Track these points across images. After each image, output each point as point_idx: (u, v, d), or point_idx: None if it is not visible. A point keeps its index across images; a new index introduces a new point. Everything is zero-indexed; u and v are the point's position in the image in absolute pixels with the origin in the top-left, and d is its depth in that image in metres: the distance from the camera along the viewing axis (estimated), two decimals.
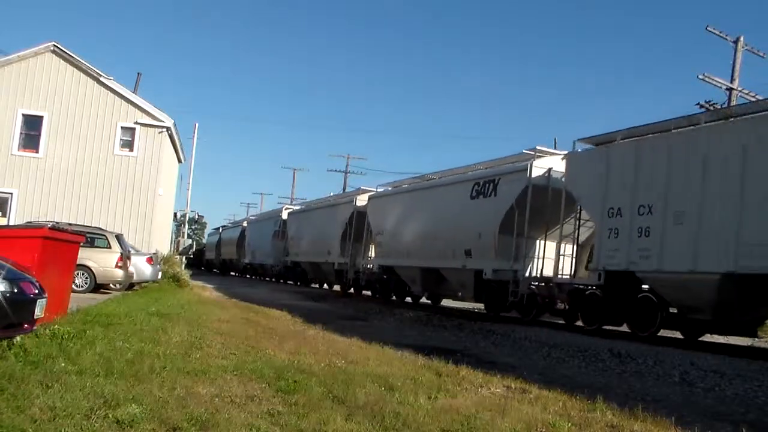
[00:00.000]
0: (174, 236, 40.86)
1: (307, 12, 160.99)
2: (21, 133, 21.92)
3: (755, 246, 10.11)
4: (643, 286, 12.64)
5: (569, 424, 5.27)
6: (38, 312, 6.33)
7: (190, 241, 63.23)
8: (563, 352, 10.87)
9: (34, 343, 6.19)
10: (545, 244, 15.49)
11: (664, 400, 7.08)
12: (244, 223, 46.51)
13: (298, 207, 37.39)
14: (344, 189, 49.27)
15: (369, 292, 24.85)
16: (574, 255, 14.85)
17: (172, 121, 23.48)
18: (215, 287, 25.00)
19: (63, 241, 8.96)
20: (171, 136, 24.47)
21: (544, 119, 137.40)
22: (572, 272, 14.76)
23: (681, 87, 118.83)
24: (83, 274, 14.36)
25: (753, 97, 22.21)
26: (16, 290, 5.96)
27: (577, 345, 11.38)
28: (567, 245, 15.23)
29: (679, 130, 12.35)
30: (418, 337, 12.37)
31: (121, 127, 22.56)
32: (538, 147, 16.50)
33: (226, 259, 49.50)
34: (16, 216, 20.91)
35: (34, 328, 6.46)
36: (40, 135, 21.89)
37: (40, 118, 21.93)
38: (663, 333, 12.72)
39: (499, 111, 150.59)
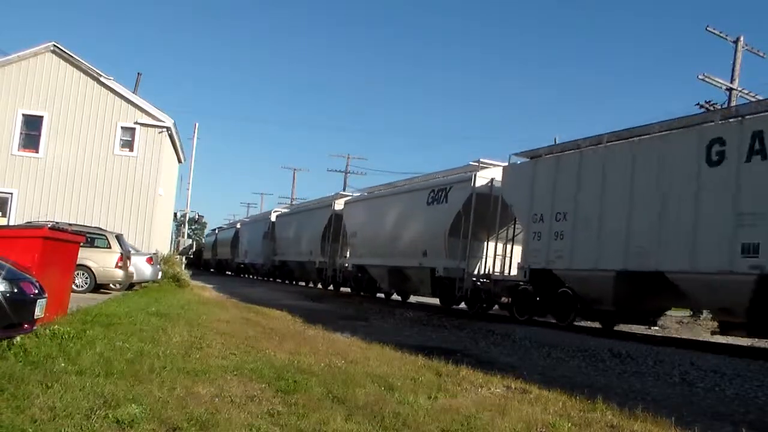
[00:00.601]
0: (174, 236, 40.92)
1: (307, 12, 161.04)
2: (21, 133, 21.91)
3: (639, 248, 12.29)
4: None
5: (569, 424, 5.27)
6: (38, 312, 6.33)
7: (190, 241, 63.56)
8: (563, 352, 10.87)
9: (34, 343, 6.19)
10: (488, 245, 17.55)
11: (664, 400, 7.08)
12: (238, 225, 48.50)
13: (286, 210, 39.53)
14: (344, 189, 49.25)
15: (348, 289, 26.45)
16: (511, 255, 16.76)
17: (172, 121, 23.48)
18: (215, 287, 25.00)
19: (63, 241, 8.96)
20: (171, 136, 24.46)
21: (544, 119, 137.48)
22: (508, 270, 16.63)
23: (681, 87, 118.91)
24: (83, 274, 14.36)
25: (753, 97, 22.21)
26: (16, 290, 5.96)
27: (577, 345, 11.37)
28: (506, 246, 17.19)
29: (587, 147, 14.20)
30: (418, 337, 12.37)
31: (121, 127, 22.55)
32: (482, 159, 18.35)
33: (222, 259, 51.30)
34: (16, 216, 20.91)
35: (34, 328, 6.46)
36: (40, 135, 21.88)
37: (40, 118, 21.93)
38: (662, 331, 12.69)
39: (499, 111, 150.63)
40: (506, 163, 16.91)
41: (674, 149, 12.11)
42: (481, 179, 17.65)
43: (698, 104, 23.97)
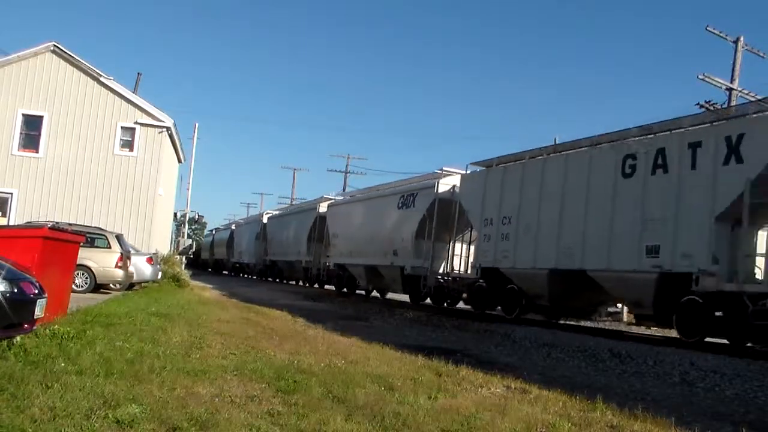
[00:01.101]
0: (174, 236, 40.97)
1: (307, 12, 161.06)
2: (21, 133, 21.91)
3: (567, 249, 13.94)
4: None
5: (569, 424, 5.27)
6: (38, 312, 6.33)
7: (190, 241, 63.91)
8: (563, 352, 10.87)
9: (34, 343, 6.20)
10: (451, 246, 19.37)
11: (664, 400, 7.08)
12: (233, 226, 50.81)
13: (277, 212, 41.19)
14: (344, 189, 49.33)
15: (332, 287, 28.20)
16: (468, 255, 18.64)
17: (172, 121, 23.48)
18: (215, 287, 25.01)
19: (63, 241, 8.96)
20: (171, 136, 24.46)
21: (544, 119, 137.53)
22: (465, 268, 18.64)
23: (681, 87, 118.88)
24: (83, 274, 14.36)
25: (753, 97, 22.20)
26: (16, 290, 5.96)
27: (577, 345, 11.37)
28: (465, 247, 19.08)
29: (529, 159, 15.88)
30: (418, 337, 12.37)
31: (121, 127, 22.55)
32: (444, 168, 20.15)
33: (218, 259, 53.18)
34: (16, 216, 20.91)
35: (34, 328, 6.46)
36: (40, 135, 21.88)
37: (40, 118, 21.92)
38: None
39: (499, 111, 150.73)
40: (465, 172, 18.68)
41: (597, 162, 13.70)
42: (444, 186, 19.41)
43: (698, 104, 23.86)
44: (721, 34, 23.11)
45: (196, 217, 63.42)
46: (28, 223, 16.58)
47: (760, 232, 11.61)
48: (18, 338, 6.11)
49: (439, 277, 19.34)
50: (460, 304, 19.68)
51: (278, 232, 35.97)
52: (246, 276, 43.41)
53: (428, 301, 20.55)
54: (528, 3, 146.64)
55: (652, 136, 12.87)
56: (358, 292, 26.30)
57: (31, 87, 21.97)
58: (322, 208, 29.36)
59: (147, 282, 18.13)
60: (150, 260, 17.61)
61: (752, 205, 10.54)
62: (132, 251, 16.60)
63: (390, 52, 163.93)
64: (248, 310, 15.06)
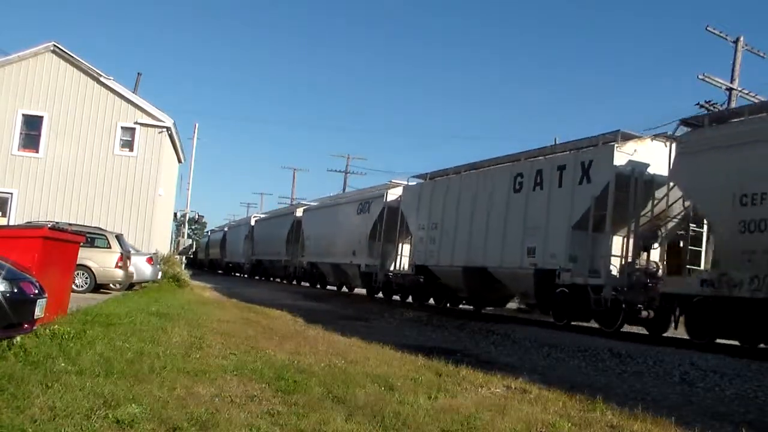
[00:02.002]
0: (174, 236, 41.03)
1: (307, 12, 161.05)
2: (21, 133, 21.89)
3: (475, 250, 16.97)
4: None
5: (569, 424, 5.27)
6: (38, 312, 6.33)
7: (190, 241, 64.63)
8: (563, 352, 10.87)
9: (34, 343, 6.19)
10: (399, 247, 22.45)
11: (665, 400, 7.08)
12: (226, 228, 53.98)
13: (263, 215, 45.32)
14: (344, 189, 49.42)
15: (308, 283, 32.11)
16: (412, 254, 21.15)
17: (172, 121, 23.47)
18: (215, 287, 25.00)
19: (63, 241, 8.96)
20: (171, 136, 24.45)
21: (544, 119, 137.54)
22: (407, 266, 21.36)
23: (681, 87, 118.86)
24: (83, 274, 14.35)
25: (753, 97, 22.22)
26: (16, 290, 5.96)
27: (577, 345, 11.37)
28: (409, 247, 21.85)
29: (453, 174, 18.86)
30: (418, 337, 12.37)
31: (121, 127, 22.54)
32: (393, 180, 24.43)
33: (213, 259, 56.08)
34: (16, 216, 20.90)
35: (34, 328, 6.46)
36: (40, 135, 21.87)
37: (40, 118, 21.91)
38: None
39: (499, 111, 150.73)
40: (411, 184, 21.92)
41: (497, 179, 16.75)
42: (392, 195, 22.85)
43: (698, 104, 23.96)
44: (721, 34, 23.12)
45: (196, 217, 64.11)
46: (28, 223, 16.59)
47: (615, 237, 13.71)
48: (18, 338, 6.10)
49: (390, 273, 22.38)
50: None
51: (263, 233, 39.34)
52: (238, 275, 45.84)
53: (380, 294, 23.88)
54: (528, 3, 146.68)
55: (534, 159, 15.92)
56: (329, 288, 29.70)
57: (31, 87, 21.97)
58: (299, 212, 33.05)
59: (147, 282, 18.12)
60: (150, 260, 17.60)
61: (596, 216, 13.55)
62: (132, 251, 16.60)
63: (390, 52, 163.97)
64: (248, 310, 15.05)
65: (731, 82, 22.84)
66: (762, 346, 11.01)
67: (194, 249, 66.01)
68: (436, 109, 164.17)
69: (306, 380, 6.13)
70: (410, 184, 21.74)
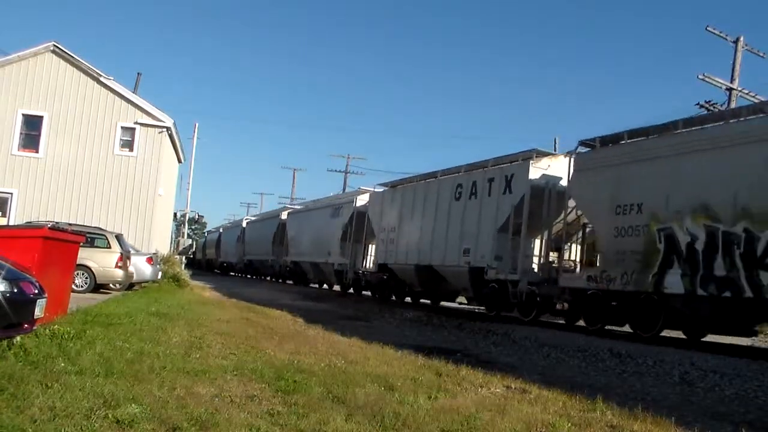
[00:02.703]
0: (174, 236, 41.07)
1: (307, 12, 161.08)
2: (21, 133, 21.88)
3: (424, 250, 19.33)
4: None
5: (569, 424, 5.27)
6: (38, 312, 6.32)
7: (190, 241, 65.17)
8: (563, 352, 10.87)
9: (34, 343, 6.19)
10: (366, 248, 25.15)
11: (664, 400, 7.08)
12: (221, 230, 56.45)
13: (253, 218, 48.41)
14: (344, 189, 49.48)
15: (291, 281, 34.98)
16: (375, 254, 23.40)
17: (172, 121, 23.46)
18: (215, 287, 25.00)
19: (63, 241, 8.96)
20: (171, 136, 24.45)
21: (544, 119, 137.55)
22: (372, 265, 23.95)
23: (681, 87, 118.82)
24: (83, 274, 14.34)
25: (753, 97, 22.21)
26: (16, 290, 5.96)
27: (577, 345, 11.37)
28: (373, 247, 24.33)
29: (409, 184, 21.39)
30: (418, 337, 12.37)
31: (121, 127, 22.52)
32: (361, 187, 27.48)
33: (209, 259, 58.10)
34: (16, 216, 20.89)
35: (34, 328, 6.45)
36: (40, 135, 21.86)
37: (40, 118, 21.91)
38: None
39: (499, 111, 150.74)
40: (376, 191, 24.28)
41: (442, 189, 19.01)
42: (360, 201, 25.27)
43: (698, 104, 23.96)
44: (721, 34, 23.11)
45: (196, 217, 64.87)
46: (28, 223, 16.58)
47: (536, 240, 16.21)
48: (18, 338, 6.10)
49: (359, 271, 25.04)
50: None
51: (253, 235, 42.01)
52: (233, 274, 48.03)
53: (351, 290, 26.52)
54: (528, 3, 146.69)
55: (471, 172, 18.05)
56: (311, 285, 32.39)
57: (31, 87, 21.95)
58: (283, 216, 35.72)
59: (147, 282, 18.12)
60: (150, 260, 17.59)
61: (515, 222, 15.78)
62: (132, 251, 16.59)
63: (390, 52, 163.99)
64: (248, 309, 15.05)
65: (731, 82, 22.84)
66: (634, 330, 12.96)
67: (194, 249, 66.70)
68: (436, 109, 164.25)
69: (306, 380, 6.13)
70: (376, 191, 24.38)
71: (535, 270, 15.92)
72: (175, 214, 37.53)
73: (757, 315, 11.43)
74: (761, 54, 23.84)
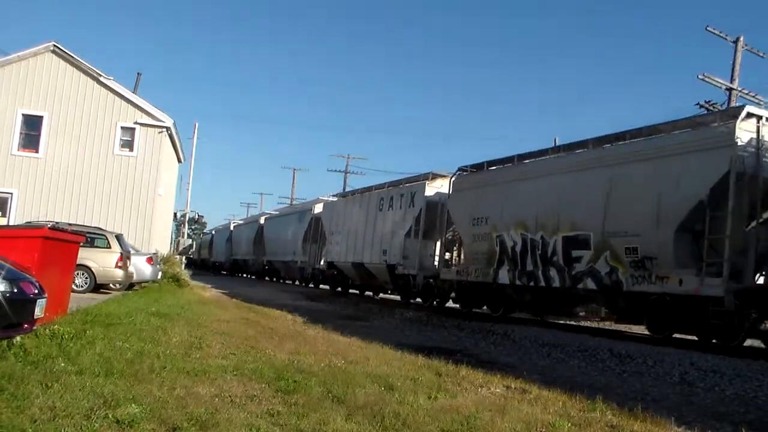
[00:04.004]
0: (174, 236, 41.10)
1: (307, 12, 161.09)
2: (21, 133, 21.87)
3: (358, 250, 23.37)
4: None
5: (569, 424, 5.27)
6: (38, 312, 6.32)
7: (190, 241, 65.73)
8: (563, 352, 10.87)
9: (34, 343, 6.19)
10: (321, 247, 29.04)
11: (664, 400, 7.08)
12: (213, 232, 61.49)
13: (240, 221, 53.23)
14: (344, 189, 49.44)
15: (267, 278, 40.43)
16: (326, 253, 27.64)
17: (172, 121, 23.46)
18: (215, 287, 25.00)
19: (63, 241, 8.95)
20: (171, 136, 24.44)
21: (544, 119, 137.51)
22: (323, 262, 28.07)
23: (681, 87, 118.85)
24: (83, 274, 14.34)
25: (753, 97, 22.21)
26: (16, 290, 5.96)
27: (577, 345, 11.37)
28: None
29: (354, 195, 25.63)
30: (418, 337, 12.37)
31: (121, 127, 22.52)
32: (319, 197, 32.07)
33: (204, 258, 61.69)
34: (16, 216, 20.88)
35: (34, 328, 6.45)
36: (40, 135, 21.85)
37: (40, 118, 21.90)
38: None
39: (500, 111, 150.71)
40: (329, 199, 29.36)
41: (371, 201, 23.28)
42: (317, 209, 30.16)
43: (698, 104, 23.95)
44: (721, 34, 23.09)
45: (196, 217, 65.84)
46: (28, 223, 16.56)
47: (438, 243, 20.06)
48: (18, 338, 6.10)
49: (317, 268, 29.58)
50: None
51: (239, 236, 47.05)
52: (224, 273, 50.97)
53: (311, 285, 31.69)
54: (528, 3, 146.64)
55: (390, 188, 22.37)
56: (286, 282, 36.67)
57: (31, 87, 21.95)
58: (262, 220, 41.84)
59: (147, 282, 18.11)
60: (150, 260, 17.59)
61: (416, 229, 20.01)
62: (132, 251, 16.58)
63: (390, 52, 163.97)
64: (248, 309, 15.05)
65: (731, 82, 22.82)
66: (486, 310, 17.82)
67: (194, 249, 67.39)
68: (436, 109, 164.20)
69: (306, 380, 6.13)
70: (328, 200, 29.26)
71: (436, 266, 19.73)
72: (175, 214, 37.55)
73: (557, 300, 15.43)
74: (761, 54, 23.83)
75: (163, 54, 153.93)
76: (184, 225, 45.23)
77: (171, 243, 37.30)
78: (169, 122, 23.17)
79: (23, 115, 21.83)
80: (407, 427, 4.77)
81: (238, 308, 15.25)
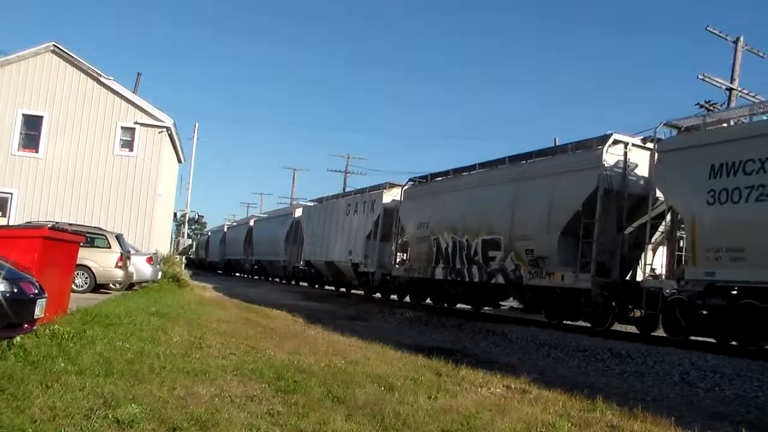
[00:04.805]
0: (174, 236, 41.11)
1: (307, 12, 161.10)
2: (21, 133, 21.86)
3: (329, 250, 26.11)
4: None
5: (569, 424, 5.27)
6: (38, 312, 6.32)
7: (190, 241, 66.09)
8: (563, 352, 10.87)
9: (34, 343, 6.19)
10: (299, 248, 32.09)
11: (664, 400, 7.08)
12: (209, 233, 64.62)
13: (233, 223, 56.19)
14: (344, 189, 49.51)
15: (256, 276, 42.81)
16: (304, 253, 30.62)
17: (172, 121, 23.44)
18: (215, 287, 25.01)
19: (63, 241, 8.95)
20: (171, 136, 24.43)
21: (544, 119, 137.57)
22: (302, 261, 31.37)
23: (681, 87, 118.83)
24: (83, 274, 14.33)
25: (753, 97, 22.20)
26: (16, 290, 5.95)
27: (577, 345, 11.37)
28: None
29: (328, 201, 28.51)
30: (418, 337, 12.37)
31: (121, 127, 22.50)
32: (300, 202, 38.68)
33: (201, 258, 63.98)
34: (16, 216, 20.87)
35: (34, 328, 6.45)
36: (40, 135, 21.83)
37: (40, 118, 21.88)
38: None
39: (500, 111, 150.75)
40: (307, 204, 32.46)
41: (340, 206, 26.18)
42: (297, 212, 33.57)
43: (698, 104, 23.95)
44: (721, 34, 23.08)
45: (196, 217, 66.48)
46: (28, 223, 16.56)
47: (394, 244, 22.16)
48: (18, 338, 6.10)
49: (297, 266, 32.86)
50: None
51: (231, 238, 49.96)
52: (219, 272, 53.16)
53: (293, 282, 34.73)
54: (528, 3, 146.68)
55: (355, 196, 25.36)
56: (274, 280, 38.94)
57: (31, 87, 21.93)
58: (251, 222, 45.13)
59: (147, 282, 18.11)
60: (150, 260, 17.58)
61: (375, 232, 22.67)
62: (132, 251, 16.57)
63: (390, 52, 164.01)
64: (248, 310, 15.05)
65: (731, 82, 22.82)
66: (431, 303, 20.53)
67: (194, 249, 67.83)
68: (436, 109, 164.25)
69: (306, 380, 6.13)
70: (307, 204, 32.48)
71: (395, 265, 21.92)
72: (175, 214, 37.60)
73: (479, 293, 18.10)
74: (761, 54, 23.81)
75: (163, 54, 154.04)
76: (184, 225, 45.60)
77: (171, 243, 37.31)
78: (169, 122, 23.16)
79: (23, 115, 21.82)
80: (407, 427, 4.77)
81: (238, 308, 15.25)
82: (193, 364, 6.41)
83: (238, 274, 48.01)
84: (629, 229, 13.64)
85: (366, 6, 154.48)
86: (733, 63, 23.14)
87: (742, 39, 23.16)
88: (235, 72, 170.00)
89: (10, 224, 18.71)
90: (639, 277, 13.36)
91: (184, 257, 35.45)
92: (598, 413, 5.77)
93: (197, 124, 36.57)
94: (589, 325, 13.79)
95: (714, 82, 22.54)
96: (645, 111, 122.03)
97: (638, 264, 13.52)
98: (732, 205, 10.63)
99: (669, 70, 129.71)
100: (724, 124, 12.41)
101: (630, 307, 13.27)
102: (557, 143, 17.52)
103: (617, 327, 13.86)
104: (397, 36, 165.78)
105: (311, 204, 31.25)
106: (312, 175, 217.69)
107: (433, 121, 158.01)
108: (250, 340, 8.89)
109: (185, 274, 22.63)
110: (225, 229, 53.68)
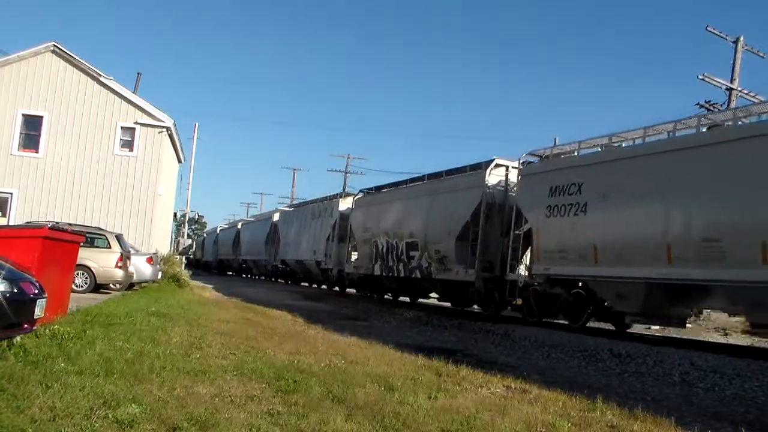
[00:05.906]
0: (174, 236, 41.13)
1: (307, 12, 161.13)
2: (21, 133, 21.84)
3: (299, 250, 31.30)
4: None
5: (569, 424, 5.27)
6: (38, 312, 6.32)
7: (190, 241, 66.48)
8: (563, 352, 10.87)
9: (34, 343, 6.19)
10: (276, 248, 36.63)
11: (664, 400, 7.09)
12: (205, 234, 69.74)
13: (225, 225, 60.23)
14: (344, 189, 49.51)
15: (244, 275, 46.06)
16: (280, 252, 35.54)
17: (172, 121, 23.44)
18: (215, 287, 25.00)
19: (63, 241, 8.95)
20: (171, 136, 24.42)
21: (544, 119, 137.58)
22: (278, 260, 35.56)
23: (681, 87, 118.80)
24: (83, 274, 14.33)
25: (753, 97, 22.19)
26: (16, 290, 5.95)
27: (577, 345, 11.37)
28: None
29: (301, 207, 33.72)
30: (418, 337, 12.37)
31: (121, 127, 22.48)
32: (277, 207, 44.26)
33: (197, 258, 66.29)
34: (16, 216, 20.86)
35: (34, 328, 6.45)
36: (40, 135, 21.81)
37: (40, 118, 21.87)
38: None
39: (500, 111, 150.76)
40: (283, 209, 37.75)
41: (307, 212, 30.70)
42: (276, 217, 37.61)
43: (698, 104, 23.94)
44: (721, 34, 23.08)
45: (196, 217, 66.90)
46: (28, 223, 16.55)
47: (349, 245, 25.34)
48: (18, 338, 6.10)
49: (275, 264, 36.19)
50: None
51: (223, 238, 53.91)
52: (215, 271, 54.88)
53: (273, 279, 38.33)
54: (527, 3, 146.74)
55: (318, 204, 29.77)
56: (260, 278, 41.88)
57: (31, 87, 21.92)
58: (239, 225, 49.56)
59: (147, 282, 18.11)
60: (150, 260, 17.58)
61: (333, 234, 26.71)
62: (132, 251, 16.57)
63: (390, 52, 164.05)
64: (248, 310, 15.05)
65: (731, 82, 22.81)
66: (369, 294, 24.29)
67: (194, 249, 68.40)
68: (436, 109, 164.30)
69: (306, 380, 6.13)
70: (283, 209, 38.08)
71: (348, 263, 25.23)
72: (175, 214, 37.61)
73: (406, 286, 21.57)
74: (761, 54, 23.80)
75: (163, 54, 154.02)
76: (184, 225, 45.70)
77: (171, 243, 37.31)
78: (169, 122, 23.16)
79: (23, 115, 21.80)
80: (407, 427, 4.77)
81: (237, 308, 15.24)
82: (193, 364, 6.41)
83: (230, 273, 51.13)
84: (518, 233, 16.02)
85: (366, 6, 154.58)
86: (733, 63, 23.14)
87: (742, 39, 23.15)
88: (235, 72, 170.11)
89: (10, 224, 18.70)
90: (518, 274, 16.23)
91: (184, 257, 35.28)
92: (598, 413, 5.77)
93: (197, 124, 36.48)
94: (479, 309, 18.23)
95: (714, 82, 22.54)
96: (645, 111, 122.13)
97: (516, 262, 16.12)
98: (560, 217, 14.01)
99: (669, 70, 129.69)
100: (564, 155, 15.24)
101: (510, 296, 16.17)
102: (557, 143, 17.48)
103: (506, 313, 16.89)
104: (397, 36, 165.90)
105: (287, 209, 36.91)
106: (312, 175, 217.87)
107: (433, 121, 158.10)
108: (250, 340, 8.89)
109: (185, 274, 22.61)
110: (218, 231, 58.19)
